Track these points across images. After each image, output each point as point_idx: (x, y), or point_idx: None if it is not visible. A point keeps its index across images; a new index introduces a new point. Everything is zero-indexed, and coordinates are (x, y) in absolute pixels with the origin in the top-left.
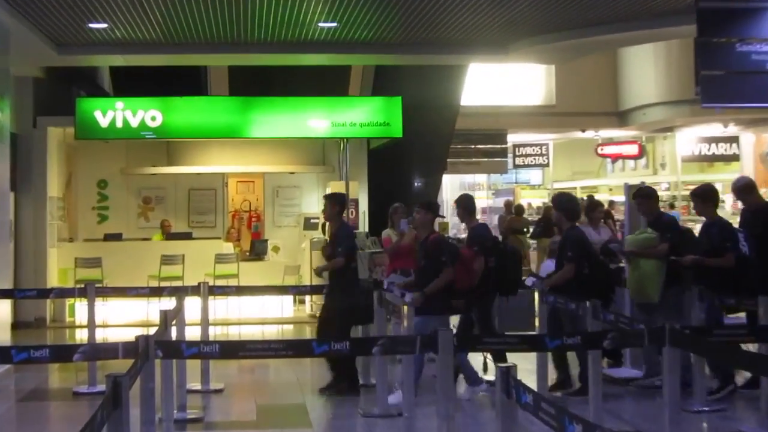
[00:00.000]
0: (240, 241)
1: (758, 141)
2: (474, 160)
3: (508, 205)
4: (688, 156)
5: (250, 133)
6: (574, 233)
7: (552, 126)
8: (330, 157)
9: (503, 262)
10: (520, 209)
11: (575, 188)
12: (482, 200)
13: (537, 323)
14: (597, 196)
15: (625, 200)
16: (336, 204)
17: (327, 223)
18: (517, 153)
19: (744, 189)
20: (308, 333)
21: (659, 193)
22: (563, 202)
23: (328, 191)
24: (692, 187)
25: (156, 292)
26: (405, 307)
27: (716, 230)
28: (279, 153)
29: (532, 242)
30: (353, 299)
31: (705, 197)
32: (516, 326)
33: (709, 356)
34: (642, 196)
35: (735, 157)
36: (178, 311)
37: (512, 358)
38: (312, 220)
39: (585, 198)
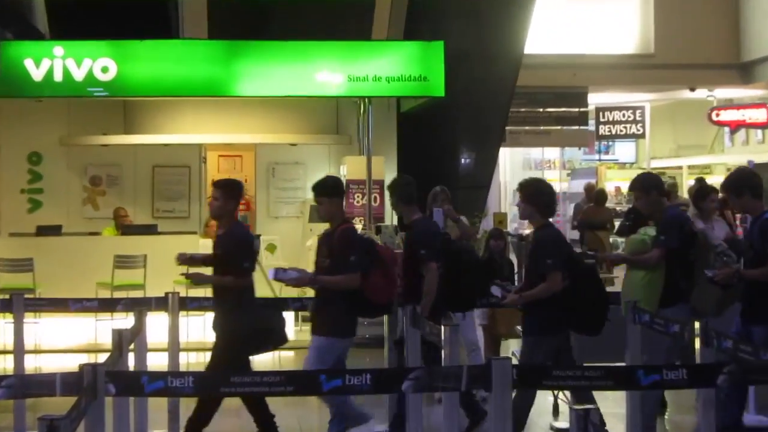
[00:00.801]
0: None
1: None
2: (543, 128)
3: (589, 190)
4: None
5: (237, 91)
6: (549, 233)
7: (650, 83)
8: (346, 123)
9: (455, 266)
10: (601, 196)
11: (681, 168)
12: (554, 183)
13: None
14: (710, 180)
15: None
16: (232, 196)
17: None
18: (601, 120)
19: None
20: None
21: None
22: (534, 193)
23: (343, 171)
24: None
25: (108, 305)
26: (446, 329)
27: (757, 228)
28: (276, 118)
29: (620, 240)
30: (247, 322)
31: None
32: (601, 356)
33: None
34: (637, 189)
35: None
36: (138, 332)
37: (602, 396)
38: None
39: (694, 182)
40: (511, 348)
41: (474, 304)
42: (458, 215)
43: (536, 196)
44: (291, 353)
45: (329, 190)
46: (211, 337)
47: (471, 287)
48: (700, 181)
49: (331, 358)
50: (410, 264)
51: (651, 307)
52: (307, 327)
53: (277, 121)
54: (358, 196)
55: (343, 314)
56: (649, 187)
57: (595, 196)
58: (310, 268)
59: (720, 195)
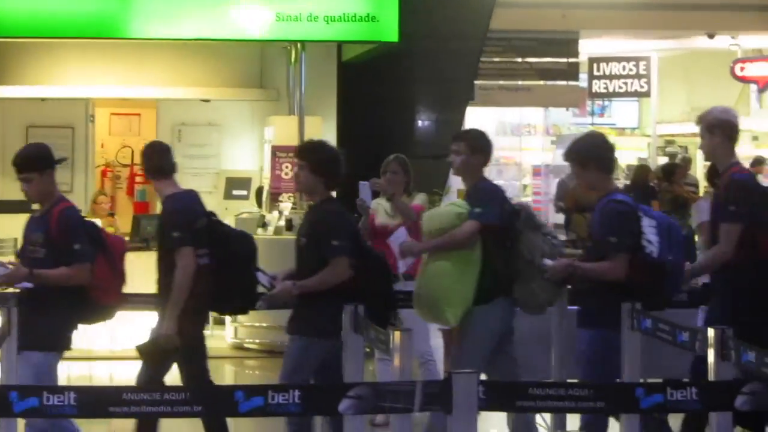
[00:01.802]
0: (115, 216)
1: None
2: (522, 83)
3: None
4: None
5: (134, 32)
6: (331, 208)
7: (657, 27)
8: (273, 75)
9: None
10: None
11: (695, 135)
12: (535, 153)
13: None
14: None
15: None
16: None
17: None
18: (596, 73)
19: None
20: (231, 375)
21: None
22: (321, 160)
23: (269, 132)
24: None
25: None
26: (397, 334)
27: (599, 213)
28: (184, 67)
29: None
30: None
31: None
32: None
33: None
34: (572, 160)
35: None
36: (4, 336)
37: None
38: (240, 183)
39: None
40: None
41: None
42: (401, 191)
43: (323, 163)
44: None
45: (39, 162)
46: (101, 345)
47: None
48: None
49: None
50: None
51: (464, 303)
52: (221, 332)
53: (184, 72)
54: (286, 167)
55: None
56: (587, 158)
57: None
58: None
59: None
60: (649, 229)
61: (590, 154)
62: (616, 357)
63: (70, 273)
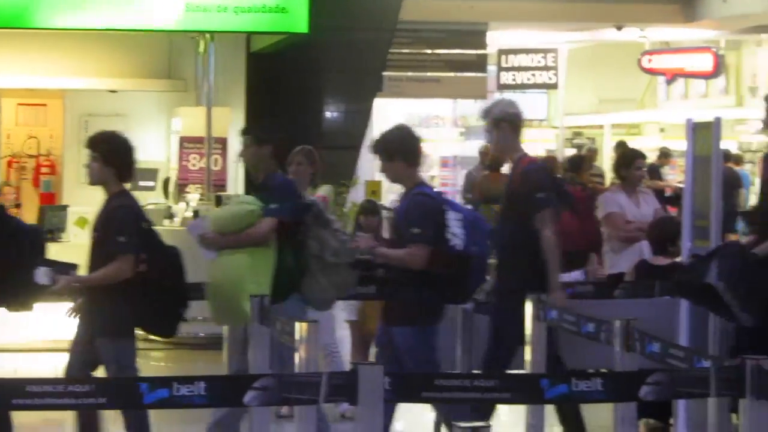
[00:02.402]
0: (20, 207)
1: None
2: (431, 75)
3: (484, 154)
4: None
5: (40, 22)
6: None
7: (566, 19)
8: (181, 65)
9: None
10: (497, 161)
11: (602, 127)
12: (444, 144)
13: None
14: (639, 141)
15: (689, 148)
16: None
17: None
18: (505, 65)
19: None
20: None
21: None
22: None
23: (177, 123)
24: None
25: None
26: (302, 326)
27: (404, 206)
28: (91, 57)
29: None
30: None
31: None
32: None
33: None
34: (379, 153)
35: None
36: None
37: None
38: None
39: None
40: None
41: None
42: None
43: (114, 154)
44: None
45: None
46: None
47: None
48: (622, 145)
49: None
50: None
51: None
52: None
53: (92, 62)
54: (194, 158)
55: None
56: (393, 151)
57: (490, 159)
58: None
59: (648, 161)
60: (454, 222)
61: (397, 146)
62: (429, 352)
63: None
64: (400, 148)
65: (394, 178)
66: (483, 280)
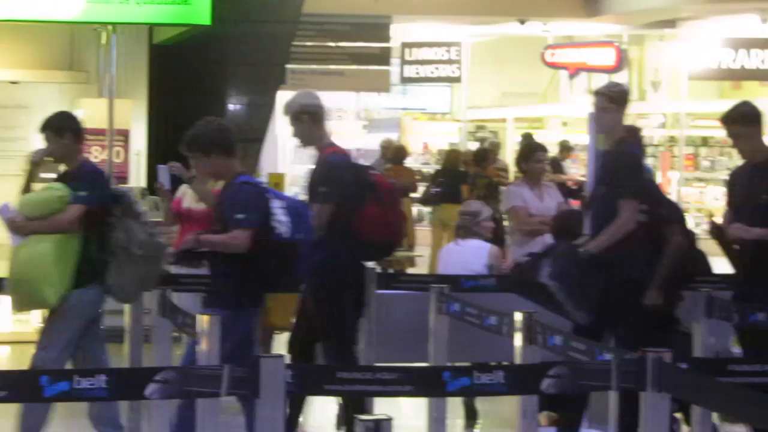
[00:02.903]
0: None
1: None
2: (335, 68)
3: (386, 148)
4: (699, 70)
5: None
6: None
7: (469, 13)
8: (83, 57)
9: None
10: (399, 153)
11: (505, 120)
12: (347, 137)
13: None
14: (542, 135)
15: (590, 142)
16: None
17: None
18: (408, 58)
19: None
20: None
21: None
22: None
23: (78, 115)
24: (703, 123)
25: None
26: (204, 319)
27: (229, 195)
28: None
29: (425, 210)
30: None
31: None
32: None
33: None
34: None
35: None
36: None
37: (394, 406)
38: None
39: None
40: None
41: None
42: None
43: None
44: (7, 348)
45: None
46: None
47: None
48: (527, 138)
49: None
50: None
51: (63, 284)
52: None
53: None
54: (96, 149)
55: None
56: (209, 145)
57: (392, 153)
58: None
59: (550, 154)
60: (279, 210)
61: (212, 140)
62: (246, 336)
63: None
64: (217, 142)
65: (213, 174)
66: (308, 268)
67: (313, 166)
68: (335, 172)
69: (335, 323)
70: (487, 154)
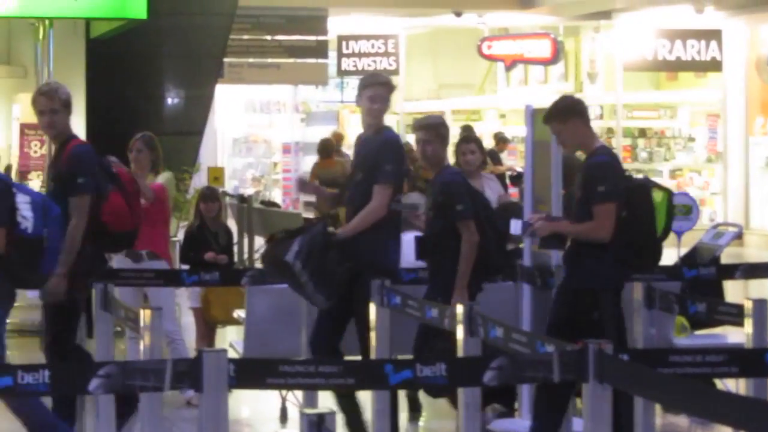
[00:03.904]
0: None
1: (754, 37)
2: (272, 61)
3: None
4: (635, 61)
5: None
6: None
7: (405, 5)
8: (20, 51)
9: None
10: (326, 146)
11: (443, 113)
12: (285, 130)
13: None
14: (479, 127)
15: (528, 133)
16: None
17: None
18: (345, 51)
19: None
20: None
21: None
22: None
23: (17, 110)
24: (640, 114)
25: None
26: (146, 313)
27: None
28: None
29: None
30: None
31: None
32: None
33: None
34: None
35: (714, 65)
36: None
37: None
38: None
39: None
40: (229, 338)
41: None
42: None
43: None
44: None
45: None
46: None
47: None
48: (467, 130)
49: None
50: None
51: None
52: None
53: None
54: (35, 144)
55: None
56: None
57: (320, 146)
58: None
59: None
60: (23, 205)
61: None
62: None
63: None
64: None
65: None
66: (55, 264)
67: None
68: (79, 165)
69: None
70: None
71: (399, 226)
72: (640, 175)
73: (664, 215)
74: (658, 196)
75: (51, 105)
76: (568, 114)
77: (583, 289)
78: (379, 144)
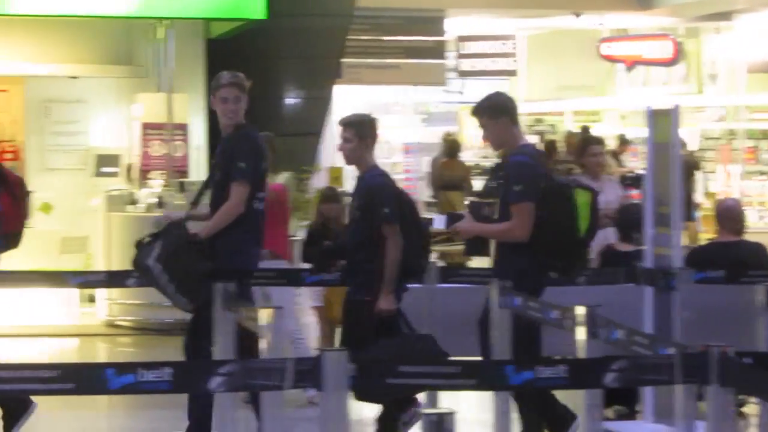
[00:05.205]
0: None
1: None
2: (390, 62)
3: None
4: (759, 63)
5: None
6: None
7: (525, 6)
8: (140, 52)
9: None
10: (453, 147)
11: (562, 113)
12: (405, 131)
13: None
14: (598, 128)
15: (649, 135)
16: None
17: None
18: (463, 52)
19: None
20: (105, 353)
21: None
22: None
23: (137, 111)
24: (764, 116)
25: None
26: (267, 312)
27: None
28: (51, 43)
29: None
30: None
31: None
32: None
33: None
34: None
35: None
36: None
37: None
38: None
39: (579, 131)
40: None
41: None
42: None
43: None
44: (76, 341)
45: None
46: None
47: None
48: (584, 131)
49: None
50: None
51: None
52: (93, 309)
53: (52, 48)
54: (156, 144)
55: None
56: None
57: (446, 146)
58: (97, 234)
59: (607, 147)
60: None
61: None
62: None
63: None
64: None
65: None
66: None
67: None
68: None
69: None
70: (555, 146)
71: (258, 224)
72: (763, 178)
73: (587, 216)
74: (582, 196)
75: None
76: (500, 112)
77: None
78: (234, 142)
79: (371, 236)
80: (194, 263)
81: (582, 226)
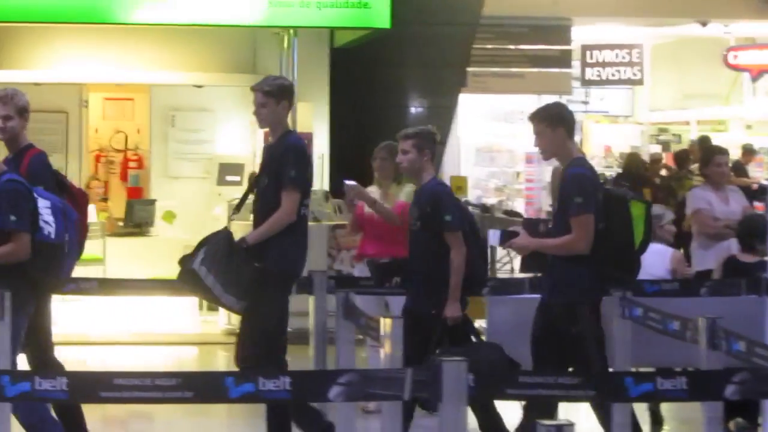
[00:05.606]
0: (108, 201)
1: None
2: (516, 70)
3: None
4: None
5: (126, 17)
6: None
7: (650, 14)
8: (265, 60)
9: None
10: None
11: (687, 123)
12: (525, 140)
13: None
14: (724, 138)
15: None
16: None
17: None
18: (588, 61)
19: None
20: (224, 362)
21: None
22: None
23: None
24: None
25: None
26: (387, 322)
27: None
28: (177, 52)
29: None
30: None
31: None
32: None
33: None
34: None
35: None
36: None
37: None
38: (233, 168)
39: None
40: None
41: None
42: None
43: None
44: (195, 349)
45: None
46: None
47: None
48: (704, 141)
49: None
50: None
51: None
52: (214, 318)
53: (178, 56)
54: None
55: None
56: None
57: None
58: None
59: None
60: (44, 210)
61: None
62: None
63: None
64: None
65: None
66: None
67: None
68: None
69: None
70: (688, 155)
71: (305, 229)
72: None
73: (642, 228)
74: (637, 208)
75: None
76: (558, 121)
77: (560, 304)
78: (282, 148)
79: (432, 246)
80: (240, 264)
81: (636, 238)
